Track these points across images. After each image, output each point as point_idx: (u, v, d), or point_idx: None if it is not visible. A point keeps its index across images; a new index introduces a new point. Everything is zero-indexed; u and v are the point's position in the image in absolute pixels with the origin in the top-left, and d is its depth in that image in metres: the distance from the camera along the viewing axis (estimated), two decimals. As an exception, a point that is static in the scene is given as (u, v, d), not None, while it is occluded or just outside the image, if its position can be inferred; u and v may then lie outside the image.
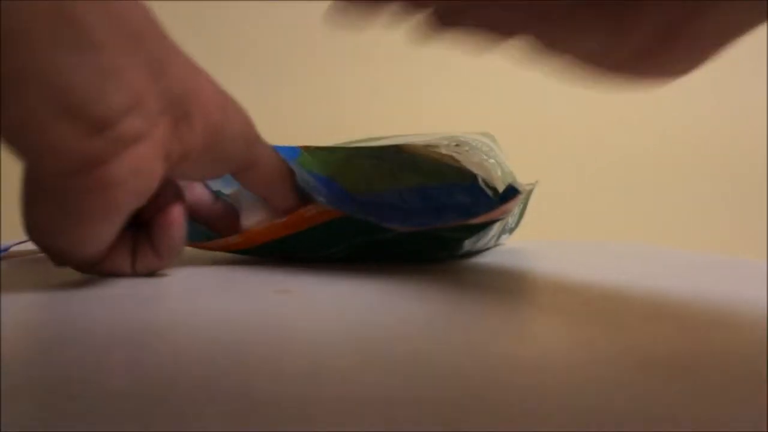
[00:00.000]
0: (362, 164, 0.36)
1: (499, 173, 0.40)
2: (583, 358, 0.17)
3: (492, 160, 0.41)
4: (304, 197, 0.35)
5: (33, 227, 0.25)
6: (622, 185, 0.91)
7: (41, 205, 0.24)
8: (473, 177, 0.35)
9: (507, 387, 0.14)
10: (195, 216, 0.36)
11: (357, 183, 0.36)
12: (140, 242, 0.29)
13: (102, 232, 0.25)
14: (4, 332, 0.18)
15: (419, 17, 0.23)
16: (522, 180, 0.90)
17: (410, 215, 0.34)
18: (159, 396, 0.13)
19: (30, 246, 0.48)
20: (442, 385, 0.15)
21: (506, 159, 0.50)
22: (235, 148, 0.29)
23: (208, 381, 0.14)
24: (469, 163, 0.37)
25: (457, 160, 0.37)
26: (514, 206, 0.35)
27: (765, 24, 0.21)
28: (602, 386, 0.14)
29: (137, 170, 0.23)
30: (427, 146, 0.39)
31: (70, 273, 0.31)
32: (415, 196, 0.34)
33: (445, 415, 0.12)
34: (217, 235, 0.38)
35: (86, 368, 0.15)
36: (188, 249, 0.39)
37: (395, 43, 0.88)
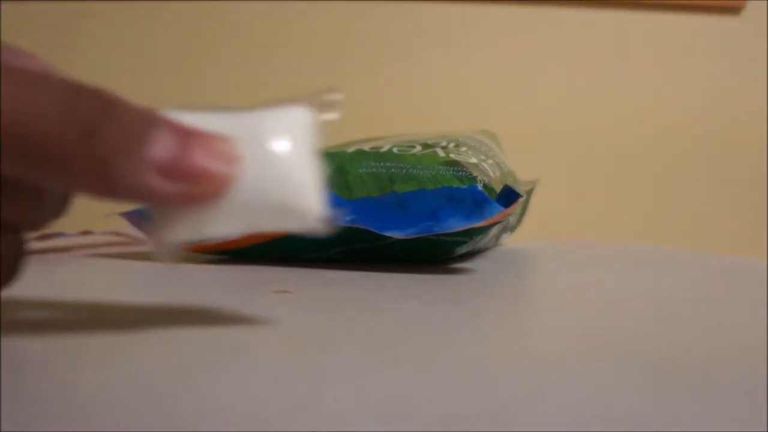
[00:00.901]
0: (359, 173, 0.36)
1: (498, 174, 0.40)
2: (583, 358, 0.17)
3: (491, 161, 0.41)
4: None
5: None
6: (622, 185, 0.91)
7: None
8: (472, 179, 0.35)
9: (505, 387, 0.14)
10: None
11: (353, 190, 0.36)
12: None
13: None
14: None
15: None
16: (523, 178, 0.90)
17: (409, 220, 0.34)
18: (152, 399, 0.13)
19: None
20: (443, 386, 0.15)
21: (507, 158, 0.50)
22: None
23: (207, 381, 0.14)
24: (468, 164, 0.37)
25: (456, 161, 0.37)
26: (515, 209, 0.35)
27: None
28: (602, 386, 0.14)
29: None
30: (425, 147, 0.39)
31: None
32: (413, 201, 0.34)
33: (445, 415, 0.12)
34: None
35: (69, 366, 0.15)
36: (186, 251, 0.39)
37: (395, 41, 0.88)
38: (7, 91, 0.15)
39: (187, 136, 0.16)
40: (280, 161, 0.18)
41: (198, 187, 0.16)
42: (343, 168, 0.37)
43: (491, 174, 0.38)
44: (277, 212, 0.18)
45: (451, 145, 0.40)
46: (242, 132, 0.18)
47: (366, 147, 0.40)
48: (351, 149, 0.39)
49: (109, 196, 0.16)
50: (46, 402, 0.13)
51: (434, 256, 0.38)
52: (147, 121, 0.16)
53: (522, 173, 0.90)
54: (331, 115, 0.20)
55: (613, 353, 0.17)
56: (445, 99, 0.88)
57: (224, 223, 0.17)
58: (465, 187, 0.34)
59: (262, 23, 0.86)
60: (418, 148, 0.39)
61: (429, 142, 0.40)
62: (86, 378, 0.15)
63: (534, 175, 0.89)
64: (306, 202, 0.18)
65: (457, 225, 0.33)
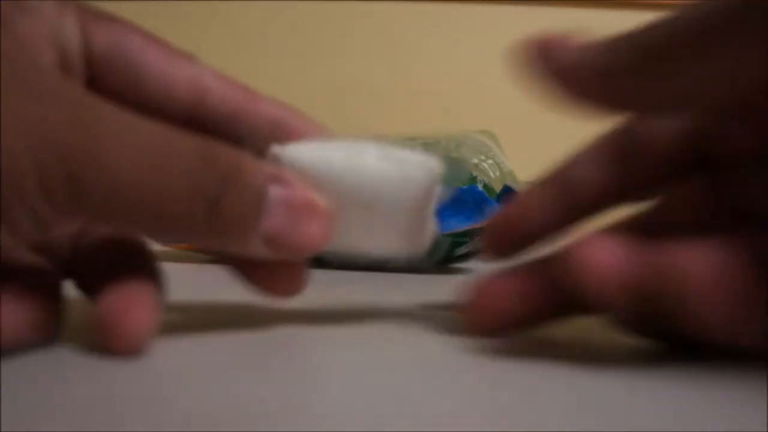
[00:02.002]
0: None
1: (498, 174, 0.40)
2: (583, 357, 0.17)
3: (490, 161, 0.41)
4: None
5: None
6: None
7: None
8: (472, 179, 0.35)
9: (505, 386, 0.14)
10: None
11: None
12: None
13: None
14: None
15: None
16: (523, 178, 0.90)
17: None
18: (151, 398, 0.13)
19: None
20: (442, 385, 0.15)
21: (507, 158, 0.50)
22: None
23: (206, 380, 0.14)
24: (467, 164, 0.37)
25: (455, 161, 0.37)
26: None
27: None
28: (601, 385, 0.14)
29: None
30: (425, 147, 0.39)
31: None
32: None
33: (445, 415, 0.12)
34: None
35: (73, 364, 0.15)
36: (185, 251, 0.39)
37: (395, 40, 0.88)
38: (141, 160, 0.15)
39: (297, 209, 0.16)
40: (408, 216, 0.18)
41: (296, 256, 0.17)
42: None
43: (491, 174, 0.38)
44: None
45: (452, 145, 0.40)
46: (367, 179, 0.18)
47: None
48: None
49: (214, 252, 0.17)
50: (46, 402, 0.13)
51: (434, 256, 0.38)
52: (262, 193, 0.16)
53: (522, 173, 0.90)
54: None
55: (612, 352, 0.17)
56: (444, 99, 0.88)
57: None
58: (465, 187, 0.34)
59: (251, 22, 0.86)
60: (418, 148, 0.39)
61: (429, 142, 0.40)
62: (86, 377, 0.15)
63: (534, 175, 0.89)
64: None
65: (457, 225, 0.33)
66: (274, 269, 0.18)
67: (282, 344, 0.18)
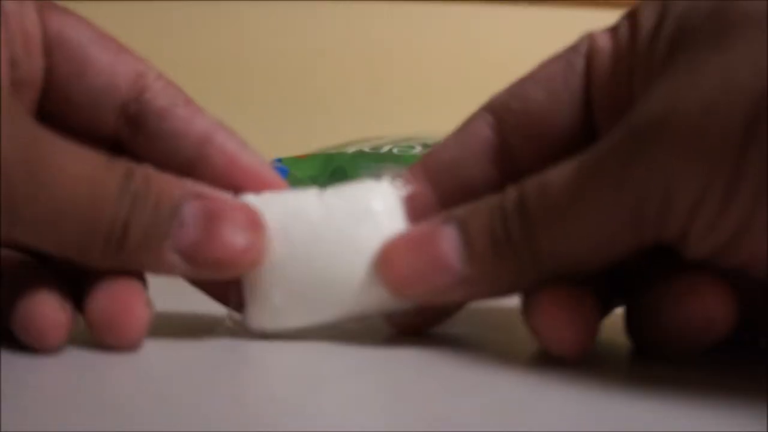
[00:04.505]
0: (359, 174, 0.36)
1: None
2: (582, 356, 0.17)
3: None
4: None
5: None
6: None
7: None
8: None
9: (506, 386, 0.14)
10: None
11: None
12: None
13: None
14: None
15: None
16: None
17: None
18: (151, 398, 0.13)
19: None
20: (442, 385, 0.15)
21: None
22: None
23: (206, 381, 0.14)
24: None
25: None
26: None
27: None
28: (601, 384, 0.14)
29: None
30: (425, 147, 0.39)
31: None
32: None
33: (445, 414, 0.12)
34: None
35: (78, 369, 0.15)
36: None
37: (395, 40, 0.88)
38: (80, 189, 0.15)
39: (214, 219, 0.16)
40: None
41: (220, 271, 0.17)
42: (343, 169, 0.37)
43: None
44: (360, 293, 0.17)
45: (452, 145, 0.40)
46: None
47: (366, 147, 0.40)
48: (351, 149, 0.39)
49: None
50: (46, 402, 0.13)
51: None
52: (175, 207, 0.16)
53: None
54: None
55: (611, 351, 0.17)
56: (445, 98, 0.89)
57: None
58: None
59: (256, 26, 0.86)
60: (419, 148, 0.39)
61: (429, 142, 0.40)
62: (86, 378, 0.15)
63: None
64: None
65: None
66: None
67: (281, 344, 0.18)
